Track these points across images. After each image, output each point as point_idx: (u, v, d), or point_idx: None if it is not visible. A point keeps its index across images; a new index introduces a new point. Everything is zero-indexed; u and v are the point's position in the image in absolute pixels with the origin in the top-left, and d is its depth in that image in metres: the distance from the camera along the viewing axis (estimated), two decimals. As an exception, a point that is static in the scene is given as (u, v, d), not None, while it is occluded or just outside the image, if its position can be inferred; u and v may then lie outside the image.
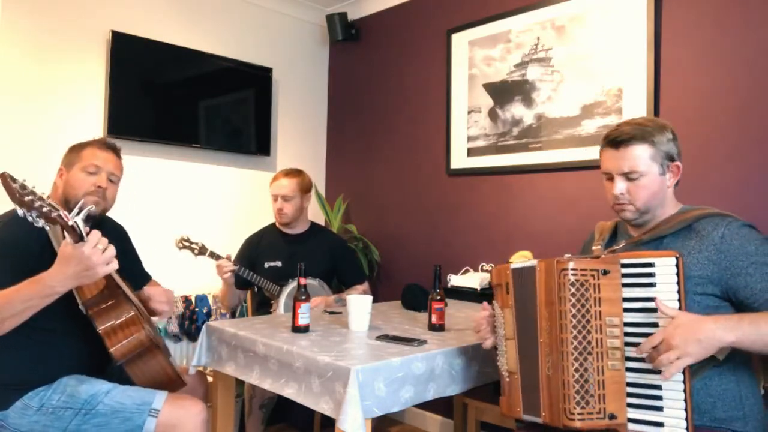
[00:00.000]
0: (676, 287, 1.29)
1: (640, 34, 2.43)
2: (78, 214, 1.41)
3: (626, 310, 1.33)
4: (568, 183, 2.68)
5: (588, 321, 1.33)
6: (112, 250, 1.44)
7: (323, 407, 1.51)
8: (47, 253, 1.61)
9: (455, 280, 2.82)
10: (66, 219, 1.35)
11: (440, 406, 3.05)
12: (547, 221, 2.76)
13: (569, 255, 1.43)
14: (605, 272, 1.34)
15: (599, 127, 2.55)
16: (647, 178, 1.45)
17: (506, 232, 2.92)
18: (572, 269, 1.35)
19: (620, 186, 1.48)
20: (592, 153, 2.57)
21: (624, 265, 1.34)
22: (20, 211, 1.29)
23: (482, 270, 2.95)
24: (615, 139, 1.48)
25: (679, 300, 1.29)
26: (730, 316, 1.28)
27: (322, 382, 1.52)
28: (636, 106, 2.43)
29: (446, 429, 3.08)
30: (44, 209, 1.31)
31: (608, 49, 2.54)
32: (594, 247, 1.59)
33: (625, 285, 1.34)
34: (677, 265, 1.29)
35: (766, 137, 2.13)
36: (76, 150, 1.80)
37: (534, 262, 1.45)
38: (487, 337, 1.60)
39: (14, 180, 1.27)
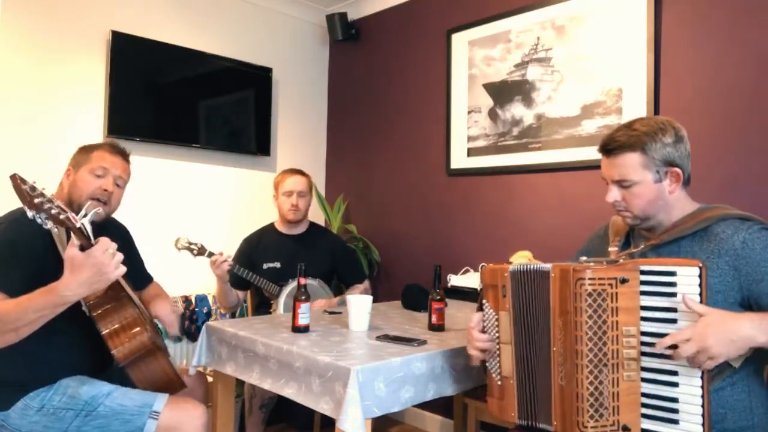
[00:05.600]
0: (698, 298, 1.24)
1: (640, 34, 2.43)
2: (85, 216, 1.42)
3: (643, 318, 1.29)
4: (568, 183, 2.68)
5: (604, 332, 1.28)
6: (120, 254, 1.44)
7: (323, 407, 1.51)
8: (51, 254, 1.61)
9: (455, 280, 2.82)
10: (74, 221, 1.37)
11: (440, 406, 3.05)
12: (547, 221, 2.76)
13: (585, 258, 1.37)
14: (624, 281, 1.29)
15: (599, 127, 2.55)
16: (640, 187, 1.41)
17: (506, 232, 2.92)
18: (589, 279, 1.29)
19: (614, 193, 1.45)
20: (592, 153, 2.56)
21: (644, 272, 1.29)
22: (30, 213, 1.30)
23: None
24: (605, 147, 1.45)
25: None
26: (764, 315, 1.24)
27: (322, 382, 1.52)
28: (636, 106, 2.43)
29: (446, 429, 3.08)
30: (53, 211, 1.32)
31: (608, 49, 2.54)
32: (610, 249, 1.55)
33: (643, 293, 1.29)
34: (700, 276, 1.24)
35: (767, 137, 2.13)
36: (85, 151, 1.80)
37: (538, 265, 1.40)
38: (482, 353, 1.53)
39: (24, 181, 1.28)
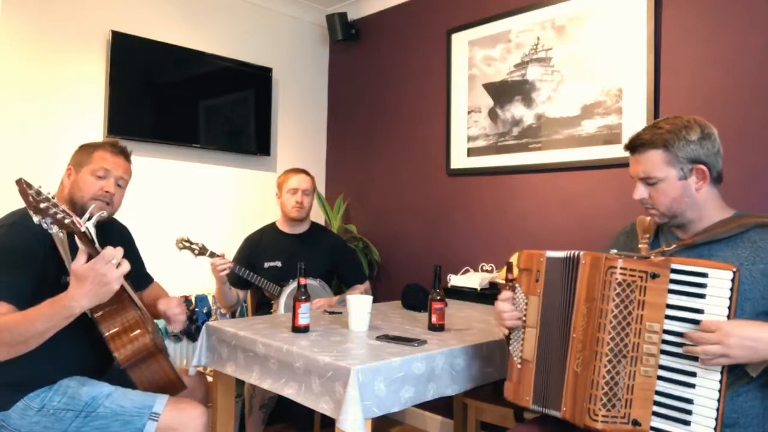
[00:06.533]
0: (727, 302, 1.22)
1: (640, 34, 2.43)
2: (89, 219, 1.42)
3: (668, 317, 1.28)
4: (568, 183, 2.68)
5: (628, 324, 1.29)
6: (125, 265, 1.43)
7: (323, 407, 1.51)
8: (51, 257, 1.61)
9: (455, 280, 2.82)
10: (79, 226, 1.37)
11: (440, 406, 3.05)
12: (547, 221, 2.76)
13: (616, 251, 1.38)
14: (654, 276, 1.28)
15: (599, 127, 2.55)
16: (665, 184, 1.42)
17: (506, 232, 2.92)
18: (621, 268, 1.30)
19: (640, 191, 1.46)
20: (592, 153, 2.57)
21: (675, 271, 1.28)
22: (36, 218, 1.31)
23: (482, 270, 2.96)
24: (630, 145, 1.48)
25: (728, 317, 1.23)
26: None
27: (322, 382, 1.52)
28: (636, 106, 2.43)
29: (446, 429, 3.08)
30: (58, 216, 1.33)
31: (608, 49, 2.54)
32: (640, 245, 1.54)
33: (671, 291, 1.28)
34: (733, 280, 1.22)
35: (767, 137, 2.13)
36: (86, 151, 1.78)
37: (572, 252, 1.41)
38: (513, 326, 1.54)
39: (30, 186, 1.29)
